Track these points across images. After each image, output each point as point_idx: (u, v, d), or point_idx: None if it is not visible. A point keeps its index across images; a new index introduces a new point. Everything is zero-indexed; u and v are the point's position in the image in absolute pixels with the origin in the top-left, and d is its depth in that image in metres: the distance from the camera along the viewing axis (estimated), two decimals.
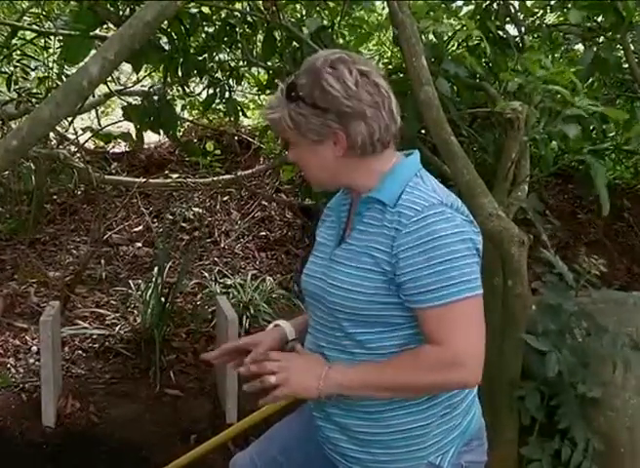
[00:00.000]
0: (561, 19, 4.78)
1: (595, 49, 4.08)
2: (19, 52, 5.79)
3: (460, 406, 1.72)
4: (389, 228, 1.59)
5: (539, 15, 4.63)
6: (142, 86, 6.16)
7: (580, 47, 4.79)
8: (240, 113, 5.01)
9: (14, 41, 5.50)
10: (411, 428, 1.67)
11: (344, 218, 1.77)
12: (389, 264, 1.58)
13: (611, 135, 5.45)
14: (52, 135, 5.96)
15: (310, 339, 1.81)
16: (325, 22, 4.52)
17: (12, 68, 5.73)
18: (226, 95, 4.71)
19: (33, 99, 5.45)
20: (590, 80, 4.62)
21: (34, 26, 5.84)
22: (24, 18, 6.03)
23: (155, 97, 4.38)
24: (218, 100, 4.78)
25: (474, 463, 1.77)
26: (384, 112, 1.62)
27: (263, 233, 6.00)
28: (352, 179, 1.69)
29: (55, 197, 6.21)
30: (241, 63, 4.84)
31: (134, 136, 5.18)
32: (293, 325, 1.93)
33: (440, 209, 1.56)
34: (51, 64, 5.68)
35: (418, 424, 1.67)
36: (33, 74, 6.02)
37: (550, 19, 4.89)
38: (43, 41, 5.87)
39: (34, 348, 4.15)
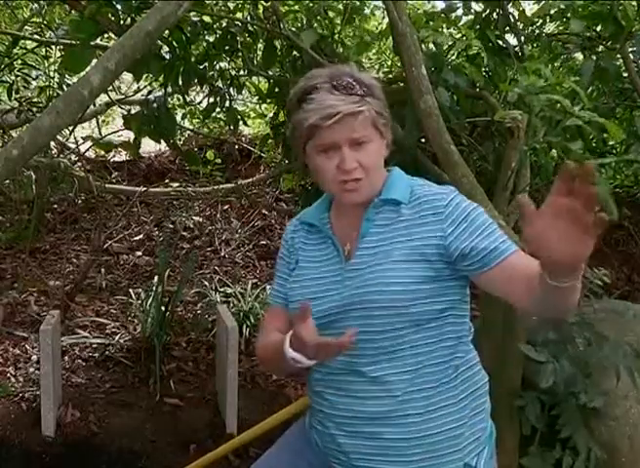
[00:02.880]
0: (561, 28, 4.79)
1: (595, 58, 4.10)
2: (20, 61, 5.80)
3: (482, 409, 1.74)
4: (415, 218, 1.66)
5: (538, 24, 4.64)
6: (143, 95, 6.18)
7: (579, 56, 4.80)
8: (240, 122, 5.02)
9: (15, 50, 5.52)
10: (449, 429, 1.65)
11: (330, 233, 1.77)
12: (438, 248, 1.63)
13: (611, 143, 5.46)
14: (52, 143, 5.97)
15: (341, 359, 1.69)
16: (325, 32, 4.53)
17: (13, 77, 5.74)
18: (227, 103, 4.72)
19: (34, 109, 5.46)
20: (590, 89, 4.63)
21: (35, 36, 5.86)
22: (26, 27, 6.05)
23: (155, 105, 4.39)
24: (218, 109, 4.80)
25: None
26: None
27: (264, 242, 6.00)
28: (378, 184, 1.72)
29: (55, 206, 6.21)
30: (242, 72, 4.86)
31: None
32: None
33: (456, 192, 1.70)
34: (52, 74, 5.70)
35: (453, 425, 1.66)
36: (34, 83, 6.03)
37: (550, 28, 4.90)
38: (44, 50, 5.90)
39: (34, 357, 4.14)
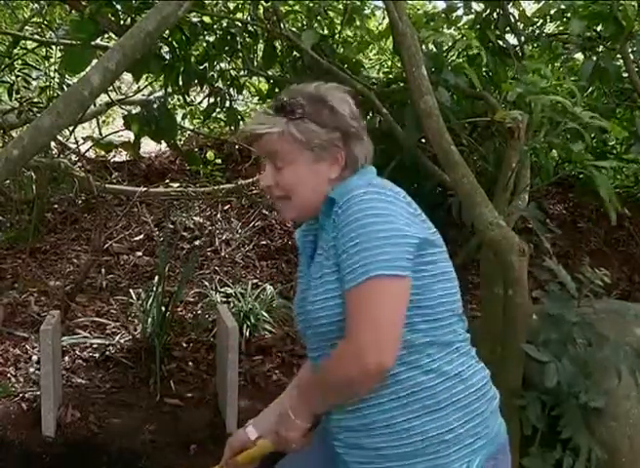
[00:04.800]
0: (561, 28, 4.79)
1: (595, 58, 4.10)
2: (20, 61, 5.81)
3: (484, 412, 1.69)
4: (331, 224, 1.60)
5: (538, 24, 4.65)
6: (143, 95, 6.18)
7: (579, 56, 4.80)
8: (241, 122, 5.02)
9: (15, 50, 5.52)
10: (433, 435, 1.62)
11: (311, 243, 1.78)
12: (336, 257, 1.58)
13: (611, 144, 5.46)
14: (53, 144, 5.97)
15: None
16: (326, 32, 4.54)
17: (13, 78, 5.75)
18: (227, 104, 4.73)
19: (34, 109, 5.47)
20: (590, 89, 4.64)
21: (36, 36, 5.87)
22: (26, 27, 6.06)
23: (155, 106, 4.39)
24: (218, 109, 4.80)
25: None
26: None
27: (264, 242, 6.00)
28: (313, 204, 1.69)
29: (55, 206, 6.21)
30: (242, 73, 4.86)
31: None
32: (262, 420, 1.93)
33: (363, 190, 1.55)
34: (52, 74, 5.70)
35: (439, 431, 1.63)
36: (35, 83, 6.04)
37: (550, 28, 4.90)
38: (44, 50, 5.90)
39: (34, 357, 4.14)
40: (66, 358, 4.17)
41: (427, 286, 1.61)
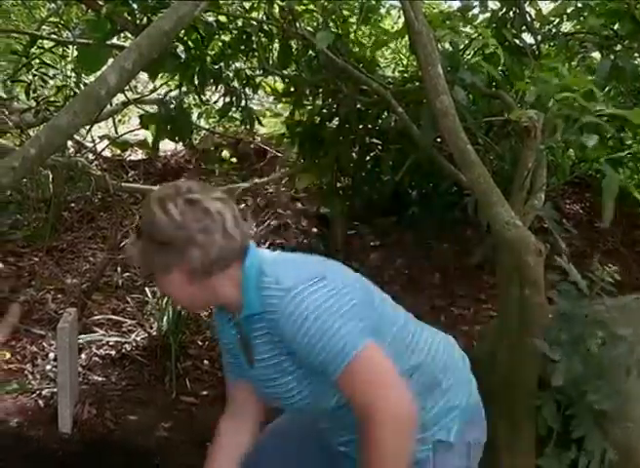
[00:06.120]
0: (577, 27, 4.77)
1: (612, 57, 4.07)
2: (37, 60, 5.84)
3: (451, 386, 1.83)
4: (272, 334, 1.70)
5: (555, 23, 4.62)
6: (159, 94, 6.20)
7: (596, 55, 4.77)
8: (256, 121, 5.03)
9: (33, 50, 5.55)
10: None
11: (236, 336, 1.86)
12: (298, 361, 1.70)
13: (628, 143, 5.41)
14: (69, 143, 6.00)
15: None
16: (341, 31, 4.53)
17: (30, 77, 5.78)
18: (242, 103, 4.74)
19: (51, 108, 5.49)
20: (607, 88, 4.60)
21: (53, 35, 5.90)
22: (43, 27, 6.09)
23: (171, 106, 4.41)
24: (234, 109, 4.81)
25: (478, 442, 1.87)
26: (217, 234, 1.69)
27: (279, 241, 6.00)
28: (218, 297, 1.77)
29: (72, 205, 6.24)
30: (257, 72, 4.87)
31: (150, 143, 5.21)
32: None
33: (291, 294, 1.64)
34: (69, 73, 5.73)
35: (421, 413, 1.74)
36: (52, 82, 6.07)
37: (567, 27, 4.88)
38: (61, 50, 5.94)
39: (51, 355, 4.16)
40: (83, 355, 4.19)
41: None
